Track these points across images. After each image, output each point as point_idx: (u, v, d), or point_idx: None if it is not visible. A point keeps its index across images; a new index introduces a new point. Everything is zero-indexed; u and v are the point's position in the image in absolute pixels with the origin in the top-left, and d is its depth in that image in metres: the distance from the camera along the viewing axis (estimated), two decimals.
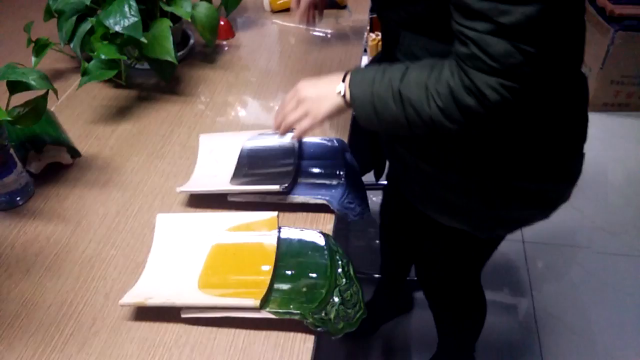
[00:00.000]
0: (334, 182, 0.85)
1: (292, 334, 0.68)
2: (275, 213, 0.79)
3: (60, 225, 0.83)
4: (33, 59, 1.07)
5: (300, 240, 0.77)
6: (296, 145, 0.90)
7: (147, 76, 1.17)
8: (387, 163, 1.11)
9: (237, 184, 0.84)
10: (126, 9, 0.98)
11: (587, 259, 1.78)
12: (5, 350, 0.67)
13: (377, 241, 1.54)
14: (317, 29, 1.31)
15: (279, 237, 0.77)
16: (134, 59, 1.13)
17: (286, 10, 1.39)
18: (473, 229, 0.87)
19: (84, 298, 0.73)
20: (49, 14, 1.12)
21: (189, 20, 1.10)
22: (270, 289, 0.70)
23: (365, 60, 1.98)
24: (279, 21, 1.37)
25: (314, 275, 0.72)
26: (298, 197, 0.82)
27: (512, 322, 1.59)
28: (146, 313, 0.70)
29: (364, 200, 0.86)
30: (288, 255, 0.75)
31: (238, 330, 0.68)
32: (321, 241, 0.76)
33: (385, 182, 1.39)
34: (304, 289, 0.70)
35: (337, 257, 0.75)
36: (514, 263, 1.77)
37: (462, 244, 0.97)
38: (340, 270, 0.73)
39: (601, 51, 2.22)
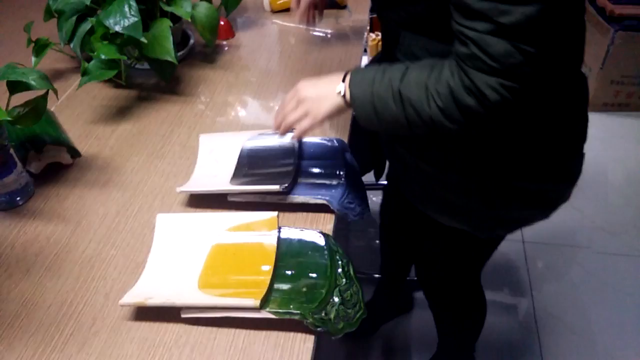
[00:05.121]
0: (334, 182, 0.85)
1: (292, 334, 0.68)
2: (275, 213, 0.79)
3: (60, 225, 0.83)
4: (33, 59, 1.07)
5: (300, 240, 0.77)
6: (296, 145, 0.90)
7: (147, 76, 1.17)
8: (387, 163, 1.11)
9: (237, 184, 0.84)
10: (126, 9, 0.97)
11: (587, 259, 1.77)
12: (5, 350, 0.67)
13: (377, 241, 1.54)
14: (317, 29, 1.31)
15: (279, 237, 0.77)
16: (134, 59, 1.13)
17: (286, 10, 1.39)
18: (473, 229, 0.87)
19: (84, 298, 0.73)
20: (49, 14, 1.12)
21: (189, 20, 1.10)
22: (270, 289, 0.70)
23: (365, 60, 1.98)
24: (279, 21, 1.37)
25: (314, 275, 0.72)
26: (298, 197, 0.82)
27: (512, 322, 1.59)
28: (146, 313, 0.70)
29: (364, 200, 0.86)
30: (288, 255, 0.75)
31: (238, 330, 0.68)
32: (321, 241, 0.76)
33: (385, 182, 1.39)
34: (304, 289, 0.70)
35: (337, 257, 0.75)
36: (514, 263, 1.77)
37: (462, 244, 0.97)
38: (340, 270, 0.73)
39: (601, 51, 2.22)
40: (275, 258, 0.73)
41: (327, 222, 0.82)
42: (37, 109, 0.84)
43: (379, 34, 2.29)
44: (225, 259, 0.75)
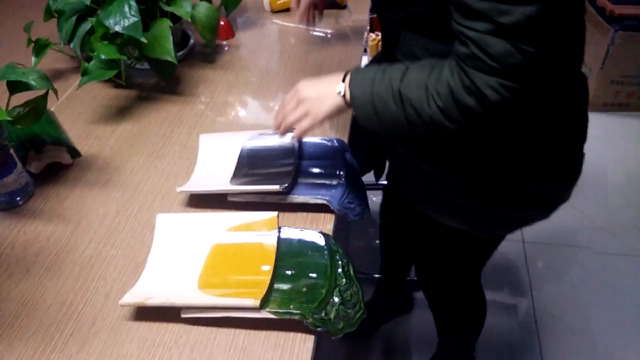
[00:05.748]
0: (334, 182, 0.85)
1: (292, 334, 0.68)
2: (275, 213, 0.79)
3: (60, 225, 0.83)
4: (33, 59, 1.07)
5: (300, 240, 0.77)
6: (296, 145, 0.90)
7: (147, 76, 1.17)
8: (387, 163, 1.11)
9: (237, 184, 0.84)
10: (126, 9, 0.98)
11: (587, 259, 1.78)
12: (5, 350, 0.67)
13: (377, 241, 1.54)
14: (317, 29, 1.31)
15: (279, 237, 0.77)
16: (134, 59, 1.13)
17: (286, 10, 1.39)
18: (473, 229, 0.87)
19: (84, 298, 0.73)
20: (49, 14, 1.12)
21: (189, 20, 1.10)
22: (270, 289, 0.70)
23: (365, 60, 1.98)
24: (279, 21, 1.37)
25: (314, 275, 0.72)
26: (298, 197, 0.82)
27: (512, 322, 1.59)
28: (146, 313, 0.70)
29: (364, 200, 0.86)
30: (288, 255, 0.75)
31: (238, 330, 0.68)
32: (321, 241, 0.76)
33: (385, 182, 1.39)
34: (304, 289, 0.70)
35: (337, 257, 0.75)
36: (514, 263, 1.77)
37: (462, 244, 0.97)
38: (340, 270, 0.73)
39: (601, 51, 2.22)
40: (275, 258, 0.73)
41: (327, 222, 0.82)
42: (37, 109, 0.84)
43: (379, 34, 2.29)
44: (225, 259, 0.75)
